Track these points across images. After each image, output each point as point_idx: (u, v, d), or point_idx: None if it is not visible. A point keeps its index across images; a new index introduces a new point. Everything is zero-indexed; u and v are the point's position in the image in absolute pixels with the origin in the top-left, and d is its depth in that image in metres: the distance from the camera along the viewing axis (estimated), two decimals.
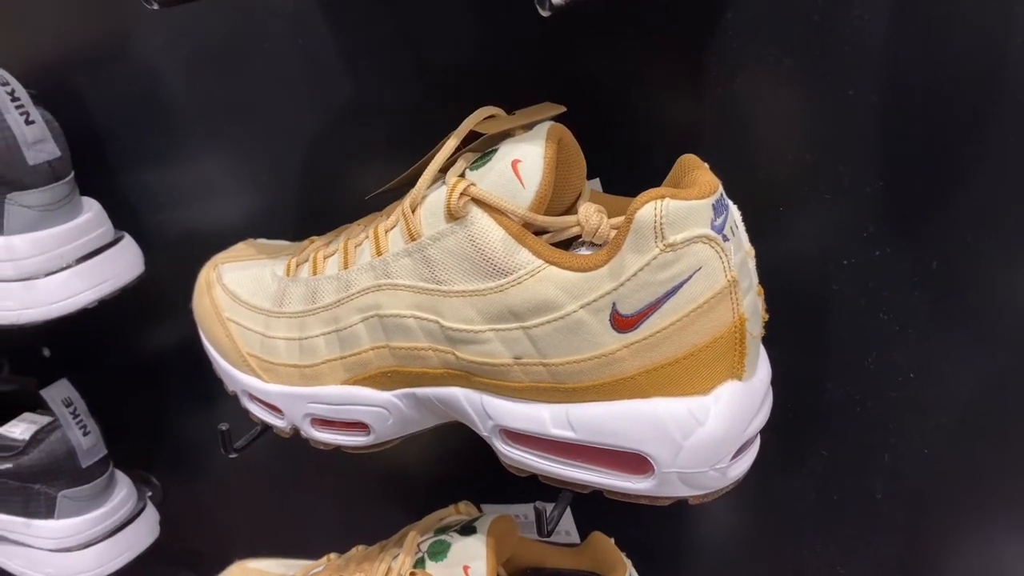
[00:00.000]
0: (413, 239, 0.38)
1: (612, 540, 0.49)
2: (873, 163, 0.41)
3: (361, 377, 0.40)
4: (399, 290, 0.38)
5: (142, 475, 0.74)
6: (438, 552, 0.47)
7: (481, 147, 0.39)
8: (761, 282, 0.45)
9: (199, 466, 0.73)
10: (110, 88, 0.58)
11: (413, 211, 0.38)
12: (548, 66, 0.46)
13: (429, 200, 0.37)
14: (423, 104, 0.50)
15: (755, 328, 0.36)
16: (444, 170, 0.41)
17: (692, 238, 0.33)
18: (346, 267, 0.40)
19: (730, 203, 0.36)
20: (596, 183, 0.47)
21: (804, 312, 0.45)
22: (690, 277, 0.34)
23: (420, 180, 0.38)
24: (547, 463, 0.38)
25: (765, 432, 0.49)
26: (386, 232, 0.39)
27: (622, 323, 0.34)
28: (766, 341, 0.46)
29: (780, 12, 0.40)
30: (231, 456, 0.44)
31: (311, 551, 0.55)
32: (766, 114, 0.42)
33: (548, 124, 0.37)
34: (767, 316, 0.38)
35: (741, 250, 0.35)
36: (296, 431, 0.43)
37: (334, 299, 0.40)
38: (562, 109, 0.41)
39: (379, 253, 0.39)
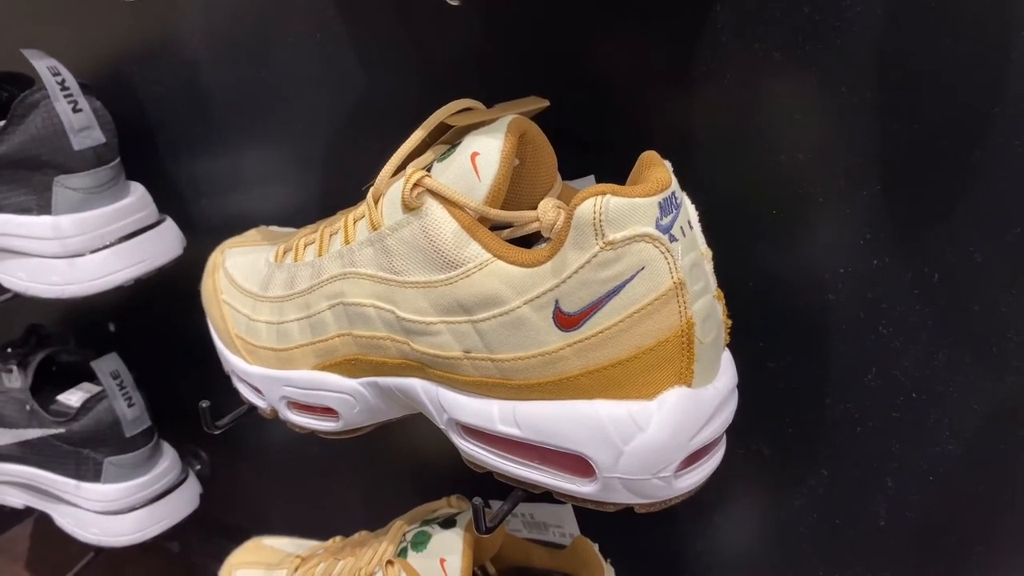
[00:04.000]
0: (375, 229, 0.38)
1: (596, 546, 0.48)
2: (870, 164, 0.39)
3: (329, 363, 0.41)
4: (361, 279, 0.39)
5: (192, 449, 0.78)
6: (419, 543, 0.48)
7: (451, 139, 0.39)
8: (751, 289, 0.43)
9: (247, 444, 0.76)
10: (158, 80, 0.62)
11: (376, 201, 0.38)
12: (561, 60, 0.45)
13: (391, 191, 0.38)
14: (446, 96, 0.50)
15: (708, 334, 0.34)
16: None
17: (633, 236, 0.32)
18: (320, 254, 0.41)
19: (686, 202, 0.34)
20: (590, 179, 0.46)
21: (797, 323, 0.43)
22: (633, 277, 0.32)
23: (382, 171, 0.38)
24: (500, 460, 0.38)
25: (764, 447, 0.47)
26: (355, 222, 0.40)
27: (565, 321, 0.34)
28: (762, 351, 0.44)
29: (770, 4, 0.38)
30: (214, 433, 0.46)
31: (331, 533, 0.57)
32: (756, 111, 0.40)
33: (511, 117, 0.37)
34: (730, 322, 0.36)
35: (694, 251, 0.34)
36: (275, 413, 0.45)
37: (307, 285, 0.41)
38: (544, 103, 0.41)
39: (347, 242, 0.40)
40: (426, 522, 0.49)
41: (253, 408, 0.46)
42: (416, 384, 0.39)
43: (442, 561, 0.46)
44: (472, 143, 0.36)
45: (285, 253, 0.44)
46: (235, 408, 0.46)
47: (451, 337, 0.36)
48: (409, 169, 0.37)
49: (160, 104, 0.63)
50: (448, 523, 0.48)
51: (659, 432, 0.33)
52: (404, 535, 0.49)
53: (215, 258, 0.49)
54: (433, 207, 0.36)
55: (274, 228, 0.53)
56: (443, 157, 0.38)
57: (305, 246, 0.43)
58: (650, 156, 0.35)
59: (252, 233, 0.51)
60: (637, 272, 0.32)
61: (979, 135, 0.36)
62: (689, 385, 0.34)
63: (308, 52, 0.53)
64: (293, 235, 0.49)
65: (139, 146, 0.63)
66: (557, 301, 0.33)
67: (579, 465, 0.35)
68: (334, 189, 0.56)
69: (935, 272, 0.39)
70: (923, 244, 0.39)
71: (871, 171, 0.39)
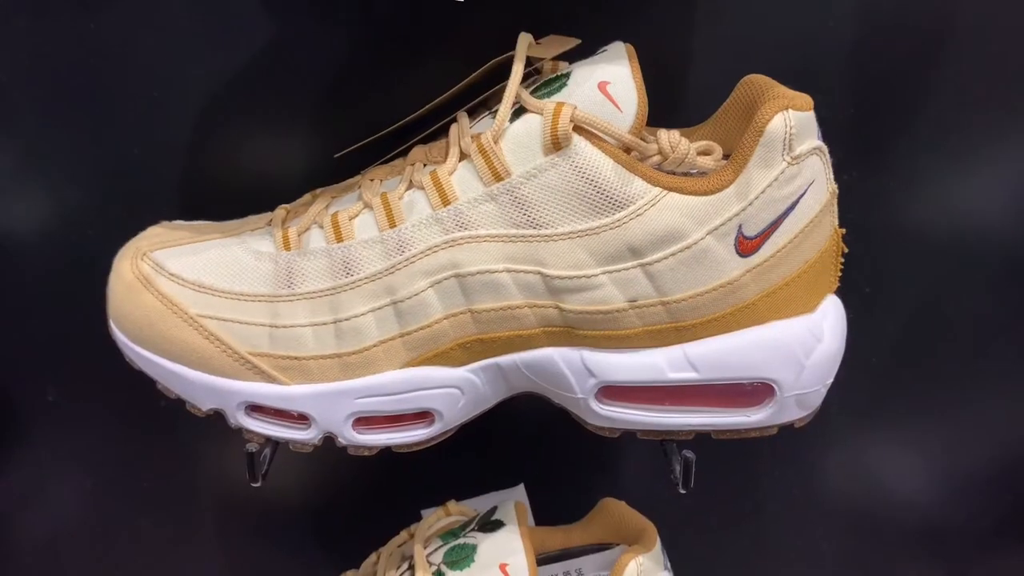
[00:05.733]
0: (499, 179, 0.32)
1: (624, 503, 0.46)
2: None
3: (430, 355, 0.33)
4: (484, 242, 0.32)
5: None
6: (460, 559, 0.41)
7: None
8: None
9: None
10: None
11: (481, 150, 0.32)
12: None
13: (519, 132, 0.32)
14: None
15: None
16: (470, 111, 0.36)
17: (811, 150, 0.32)
18: (392, 225, 0.33)
19: None
20: None
21: None
22: (806, 191, 0.33)
23: (502, 110, 0.32)
24: (651, 414, 0.35)
25: None
26: (449, 175, 0.33)
27: (746, 246, 0.33)
28: None
29: None
30: (254, 485, 0.34)
31: None
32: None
33: (623, 44, 0.34)
34: None
35: None
36: (327, 441, 0.35)
37: (384, 266, 0.33)
38: (577, 41, 0.38)
39: (446, 202, 0.33)
40: (449, 535, 0.43)
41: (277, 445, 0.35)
42: (552, 354, 0.34)
43: (503, 567, 0.41)
44: (590, 73, 0.33)
45: (302, 235, 0.35)
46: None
47: (615, 288, 0.33)
48: (542, 103, 0.32)
49: None
50: (492, 525, 0.42)
51: (832, 340, 0.35)
52: (428, 559, 0.42)
53: (135, 267, 0.35)
54: (581, 145, 0.32)
55: (180, 223, 0.40)
56: (543, 94, 0.33)
57: (350, 219, 0.34)
58: (760, 79, 0.35)
59: (160, 231, 0.38)
60: (809, 186, 0.33)
61: None
62: (833, 291, 0.36)
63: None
64: (250, 221, 0.38)
65: None
66: (741, 226, 0.33)
67: (756, 394, 0.35)
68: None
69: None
70: None
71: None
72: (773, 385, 0.34)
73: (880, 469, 0.53)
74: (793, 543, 0.55)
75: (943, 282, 0.50)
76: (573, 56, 0.37)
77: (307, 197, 0.38)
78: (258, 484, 0.34)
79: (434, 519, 0.45)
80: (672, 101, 0.42)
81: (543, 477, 0.51)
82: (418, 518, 0.48)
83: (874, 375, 0.51)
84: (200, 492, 0.53)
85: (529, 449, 0.53)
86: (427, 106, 0.37)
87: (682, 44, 0.44)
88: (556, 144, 0.31)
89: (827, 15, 0.44)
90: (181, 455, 0.52)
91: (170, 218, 0.40)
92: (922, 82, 0.46)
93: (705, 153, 0.35)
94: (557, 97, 0.33)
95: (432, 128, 0.37)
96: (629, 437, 0.36)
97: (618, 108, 0.33)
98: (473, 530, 0.42)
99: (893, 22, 0.45)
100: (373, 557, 0.46)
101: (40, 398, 0.50)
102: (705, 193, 0.32)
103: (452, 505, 0.45)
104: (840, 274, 0.36)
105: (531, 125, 0.32)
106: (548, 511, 0.48)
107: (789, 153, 0.32)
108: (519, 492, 0.50)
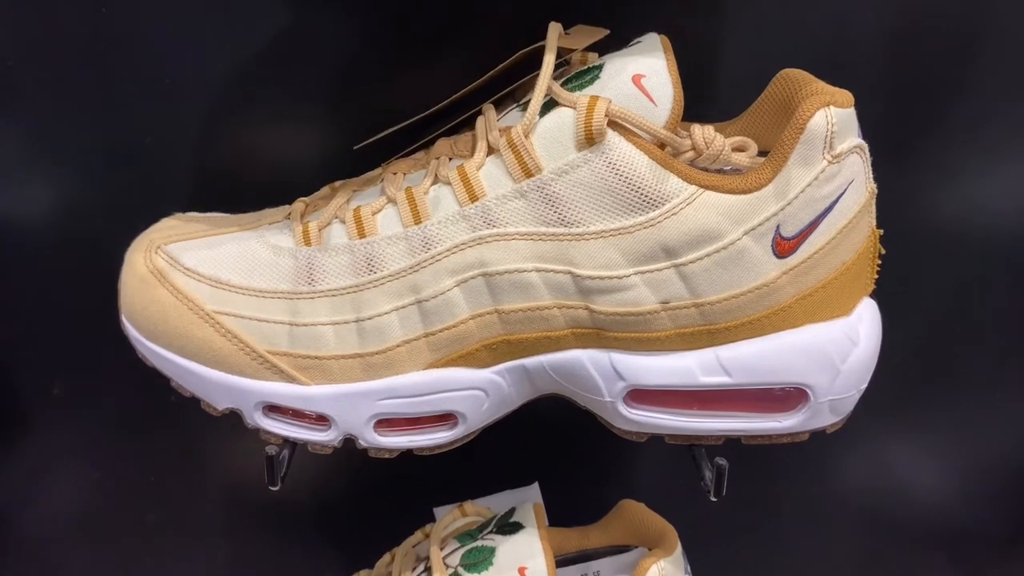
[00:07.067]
0: (529, 175, 0.31)
1: (643, 505, 0.45)
2: None
3: (455, 355, 0.32)
4: (513, 239, 0.31)
5: None
6: (478, 562, 0.40)
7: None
8: None
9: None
10: None
11: (511, 144, 0.31)
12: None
13: (551, 127, 0.31)
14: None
15: None
16: (496, 102, 0.35)
17: (851, 148, 0.31)
18: (417, 221, 0.32)
19: None
20: None
21: None
22: (845, 191, 0.32)
23: (533, 102, 0.31)
24: (680, 419, 0.34)
25: None
26: (477, 170, 0.32)
27: (783, 247, 0.32)
28: None
29: None
30: (273, 488, 0.33)
31: None
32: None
33: (658, 35, 0.33)
34: None
35: None
36: (347, 443, 0.34)
37: (409, 263, 0.32)
38: (605, 32, 0.37)
39: (474, 198, 0.32)
40: (467, 536, 0.42)
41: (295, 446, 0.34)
42: (580, 356, 0.33)
43: (522, 570, 0.40)
44: (624, 65, 0.32)
45: (322, 230, 0.33)
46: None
47: (647, 289, 0.32)
48: (575, 96, 0.31)
49: None
50: (510, 527, 0.41)
51: (867, 344, 0.34)
52: (445, 561, 0.41)
53: (148, 261, 0.34)
54: (615, 140, 0.31)
55: (194, 214, 0.39)
56: (575, 86, 0.32)
57: (373, 215, 0.33)
58: (798, 73, 0.34)
59: (174, 223, 0.37)
60: (848, 185, 0.32)
61: None
62: (869, 294, 0.35)
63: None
64: (266, 215, 0.37)
65: None
66: (779, 226, 0.31)
67: (788, 399, 0.34)
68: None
69: None
70: None
71: None
72: (807, 390, 0.33)
73: (901, 471, 0.52)
74: (812, 545, 0.54)
75: (970, 282, 0.49)
76: (599, 48, 0.36)
77: (326, 190, 0.37)
78: (277, 487, 0.33)
79: (450, 519, 0.44)
80: (701, 95, 0.41)
81: (554, 475, 0.50)
82: (430, 516, 0.47)
83: (896, 375, 0.50)
84: (209, 488, 0.52)
85: (541, 446, 0.52)
86: (451, 98, 0.36)
87: (710, 36, 0.43)
88: (589, 139, 0.30)
89: (858, 8, 0.43)
90: (190, 450, 0.51)
91: (182, 209, 0.39)
92: (954, 78, 0.45)
93: (740, 149, 0.34)
94: (589, 90, 0.32)
95: (455, 121, 0.36)
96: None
97: (653, 102, 0.31)
98: (491, 532, 0.41)
99: (926, 16, 0.44)
100: (387, 557, 0.45)
101: (46, 392, 0.49)
102: (742, 192, 0.31)
103: (468, 505, 0.45)
104: (877, 276, 0.34)
105: (563, 119, 0.31)
106: (559, 509, 0.47)
107: (830, 151, 0.31)
108: (534, 491, 0.49)
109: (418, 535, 0.45)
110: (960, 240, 0.48)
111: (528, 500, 0.48)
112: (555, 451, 0.51)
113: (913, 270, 0.48)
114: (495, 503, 0.48)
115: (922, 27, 0.44)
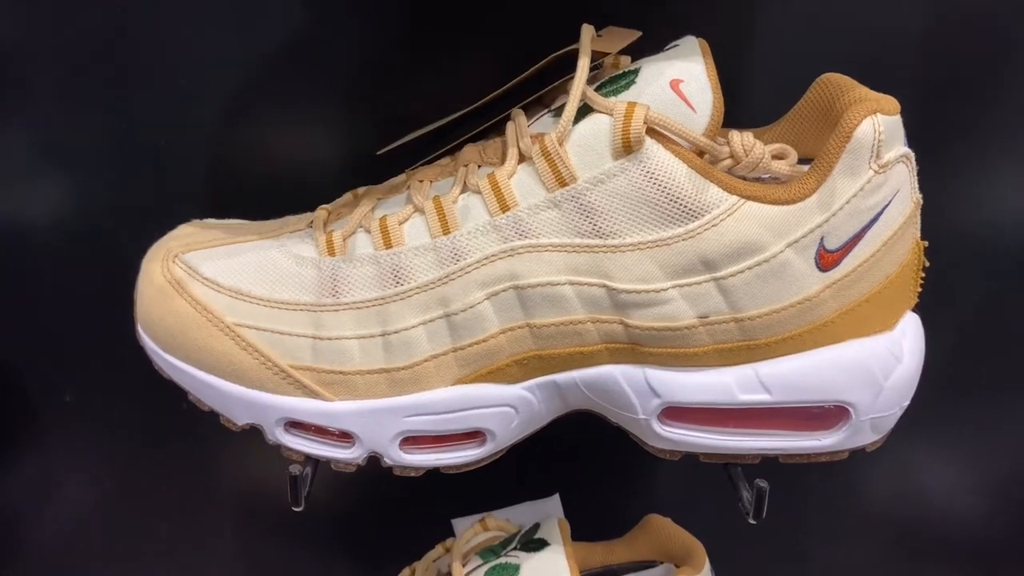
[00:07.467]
0: (563, 184, 0.30)
1: (670, 520, 0.44)
2: None
3: (484, 371, 0.31)
4: (546, 251, 0.30)
5: None
6: None
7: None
8: None
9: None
10: None
11: (544, 153, 0.30)
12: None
13: (578, 134, 0.30)
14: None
15: None
16: (525, 107, 0.34)
17: (898, 157, 0.30)
18: (446, 231, 0.31)
19: None
20: None
21: None
22: (890, 201, 0.31)
23: (568, 109, 0.30)
24: (716, 437, 0.33)
25: None
26: (508, 178, 0.30)
27: (827, 260, 0.31)
28: None
29: None
30: (296, 509, 0.32)
31: None
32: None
33: (696, 39, 0.32)
34: None
35: None
36: (372, 461, 0.32)
37: (437, 275, 0.31)
38: (638, 34, 0.36)
39: (505, 208, 0.30)
40: (490, 552, 0.41)
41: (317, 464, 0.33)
42: (613, 372, 0.32)
43: None
44: (661, 69, 0.31)
45: (347, 240, 0.32)
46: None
47: (685, 303, 0.30)
48: (611, 101, 0.30)
49: None
50: (535, 544, 0.40)
51: (911, 360, 0.33)
52: None
53: (166, 270, 0.33)
54: (654, 148, 0.29)
55: (212, 221, 0.38)
56: (610, 92, 0.31)
57: (400, 224, 0.32)
58: (839, 78, 0.33)
59: (192, 230, 0.36)
60: (894, 195, 0.31)
61: None
62: (912, 309, 0.33)
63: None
64: (288, 222, 0.36)
65: None
66: (822, 239, 0.30)
67: (828, 417, 0.33)
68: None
69: None
70: None
71: None
72: (848, 408, 0.32)
73: (928, 483, 0.51)
74: (841, 560, 0.53)
75: (1001, 291, 0.48)
76: (632, 52, 0.34)
77: (348, 197, 0.36)
78: (300, 508, 0.32)
79: (471, 534, 0.43)
80: (733, 100, 0.40)
81: (573, 483, 0.49)
82: (447, 526, 0.46)
83: (927, 386, 0.48)
84: (222, 498, 0.51)
85: (560, 454, 0.51)
86: (479, 102, 0.35)
87: (739, 39, 0.42)
88: (627, 147, 0.29)
89: (898, 12, 0.41)
90: (204, 459, 0.50)
91: (198, 215, 0.38)
92: (990, 86, 0.44)
93: (779, 157, 0.32)
94: (625, 95, 0.30)
95: (482, 126, 0.35)
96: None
97: (692, 108, 0.30)
98: (515, 549, 0.40)
99: (963, 16, 0.42)
100: (407, 572, 0.44)
101: (58, 399, 0.48)
102: (785, 202, 0.30)
103: (490, 520, 0.43)
104: (920, 289, 0.33)
105: (599, 126, 0.30)
106: (578, 517, 0.46)
107: (876, 161, 0.30)
108: (554, 503, 0.48)
109: (439, 549, 0.44)
110: (993, 247, 0.47)
111: (549, 512, 0.47)
112: (574, 459, 0.50)
113: (944, 279, 0.46)
114: (515, 515, 0.47)
115: (958, 28, 0.42)
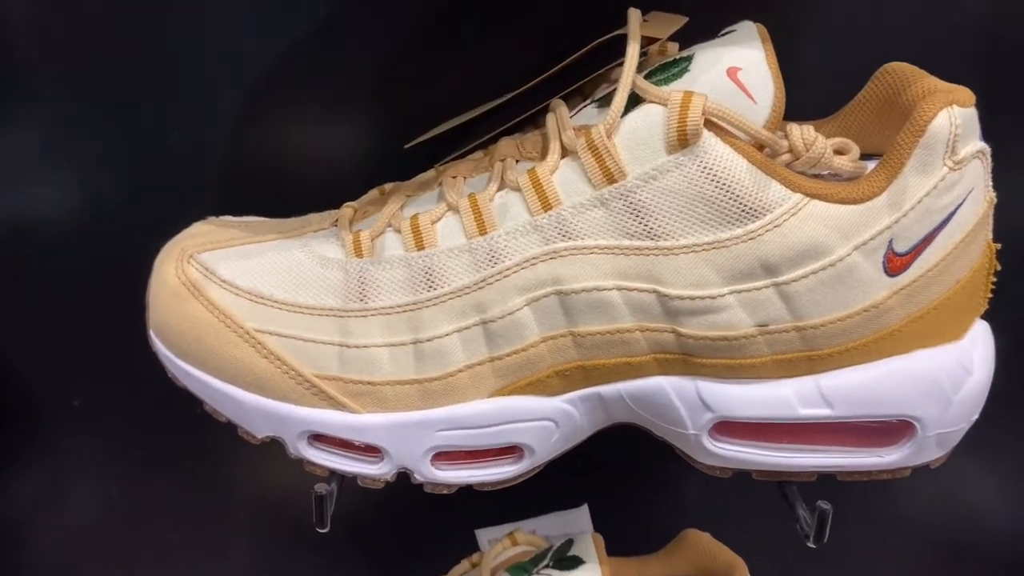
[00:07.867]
0: (611, 181, 0.27)
1: (708, 535, 0.42)
2: None
3: (523, 383, 0.29)
4: (591, 253, 0.28)
5: None
6: None
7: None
8: None
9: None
10: None
11: (591, 147, 0.28)
12: None
13: (628, 126, 0.27)
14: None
15: None
16: (564, 97, 0.32)
17: (974, 153, 0.28)
18: (483, 232, 0.29)
19: None
20: None
21: None
22: (964, 201, 0.28)
23: (617, 99, 0.27)
24: (771, 454, 0.31)
25: None
26: (550, 174, 0.28)
27: (895, 264, 0.28)
28: None
29: None
30: (321, 530, 0.30)
31: None
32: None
33: (754, 24, 0.30)
34: None
35: None
36: (401, 477, 0.30)
37: (473, 279, 0.28)
38: (685, 19, 0.33)
39: (547, 207, 0.28)
40: (520, 569, 0.39)
41: (343, 480, 0.31)
42: (662, 384, 0.30)
43: None
44: (717, 57, 0.28)
45: (375, 240, 0.30)
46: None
47: (743, 311, 0.28)
48: (665, 91, 0.27)
49: None
50: (569, 562, 0.38)
51: (981, 372, 0.30)
52: None
53: (180, 271, 0.31)
54: (711, 142, 0.27)
55: (228, 218, 0.35)
56: (661, 80, 0.29)
57: (432, 223, 0.29)
58: (904, 67, 0.31)
59: (207, 228, 0.34)
60: (968, 194, 0.29)
61: None
62: (982, 316, 0.31)
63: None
64: (310, 220, 0.34)
65: None
66: (891, 241, 0.28)
67: (891, 432, 0.30)
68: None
69: None
70: None
71: None
72: (914, 423, 0.30)
73: (982, 502, 0.49)
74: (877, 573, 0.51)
75: None
76: (678, 39, 0.32)
77: (374, 193, 0.34)
78: (325, 529, 0.29)
79: (500, 549, 0.41)
80: (790, 90, 0.37)
81: (601, 493, 0.47)
82: (469, 536, 0.44)
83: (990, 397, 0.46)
84: (234, 507, 0.49)
85: (586, 462, 0.49)
86: (511, 93, 0.33)
87: (795, 25, 0.39)
88: (683, 140, 0.27)
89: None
90: (217, 466, 0.48)
91: (213, 212, 0.35)
92: None
93: (841, 152, 0.30)
94: (677, 84, 0.28)
95: (518, 118, 0.33)
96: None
97: (751, 98, 0.28)
98: (548, 566, 0.38)
99: None
100: None
101: (66, 404, 0.46)
102: (853, 201, 0.27)
103: (519, 534, 0.41)
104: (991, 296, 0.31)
105: (651, 118, 0.27)
106: (607, 532, 0.43)
107: (951, 156, 0.27)
108: (583, 514, 0.46)
109: (465, 564, 0.42)
110: None
111: (577, 522, 0.45)
112: (602, 466, 0.48)
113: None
114: (541, 526, 0.45)
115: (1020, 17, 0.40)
